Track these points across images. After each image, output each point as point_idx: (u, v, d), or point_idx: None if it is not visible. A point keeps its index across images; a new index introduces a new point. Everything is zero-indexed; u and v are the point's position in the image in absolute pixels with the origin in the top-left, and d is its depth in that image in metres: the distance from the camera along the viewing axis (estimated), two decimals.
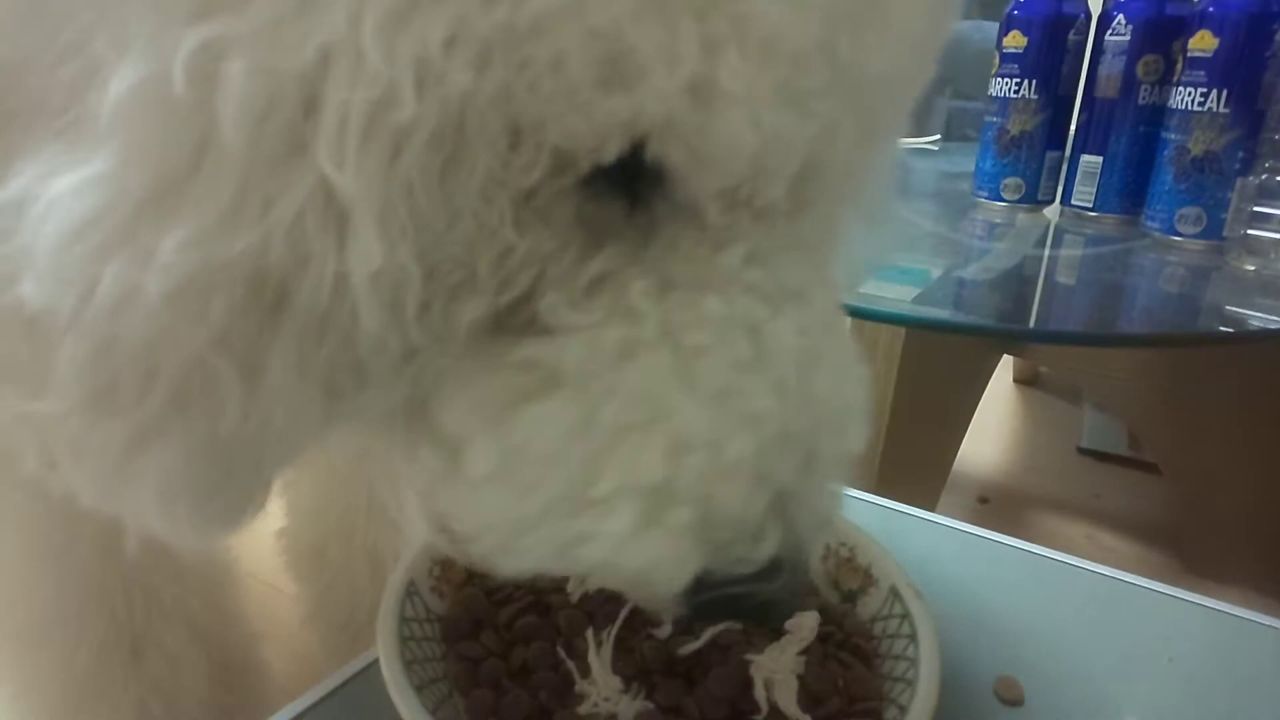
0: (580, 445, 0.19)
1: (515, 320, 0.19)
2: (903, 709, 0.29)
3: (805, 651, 0.33)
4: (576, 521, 0.19)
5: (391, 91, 0.14)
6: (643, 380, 0.18)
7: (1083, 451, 1.45)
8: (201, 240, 0.15)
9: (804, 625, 0.34)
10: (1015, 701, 0.35)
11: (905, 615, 0.34)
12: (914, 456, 1.03)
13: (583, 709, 0.31)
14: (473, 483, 0.19)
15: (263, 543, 0.68)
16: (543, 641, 0.34)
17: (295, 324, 0.16)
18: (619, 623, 0.34)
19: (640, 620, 0.35)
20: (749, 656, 0.32)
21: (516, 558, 0.20)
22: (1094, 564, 0.45)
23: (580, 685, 0.32)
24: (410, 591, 0.35)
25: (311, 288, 0.16)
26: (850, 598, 0.37)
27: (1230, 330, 0.66)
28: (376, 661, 0.31)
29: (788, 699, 0.31)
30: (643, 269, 0.19)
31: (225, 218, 0.15)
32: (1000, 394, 1.68)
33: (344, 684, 0.37)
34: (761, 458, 0.19)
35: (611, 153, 0.17)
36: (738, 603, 0.20)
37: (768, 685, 0.31)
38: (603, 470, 0.19)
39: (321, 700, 0.36)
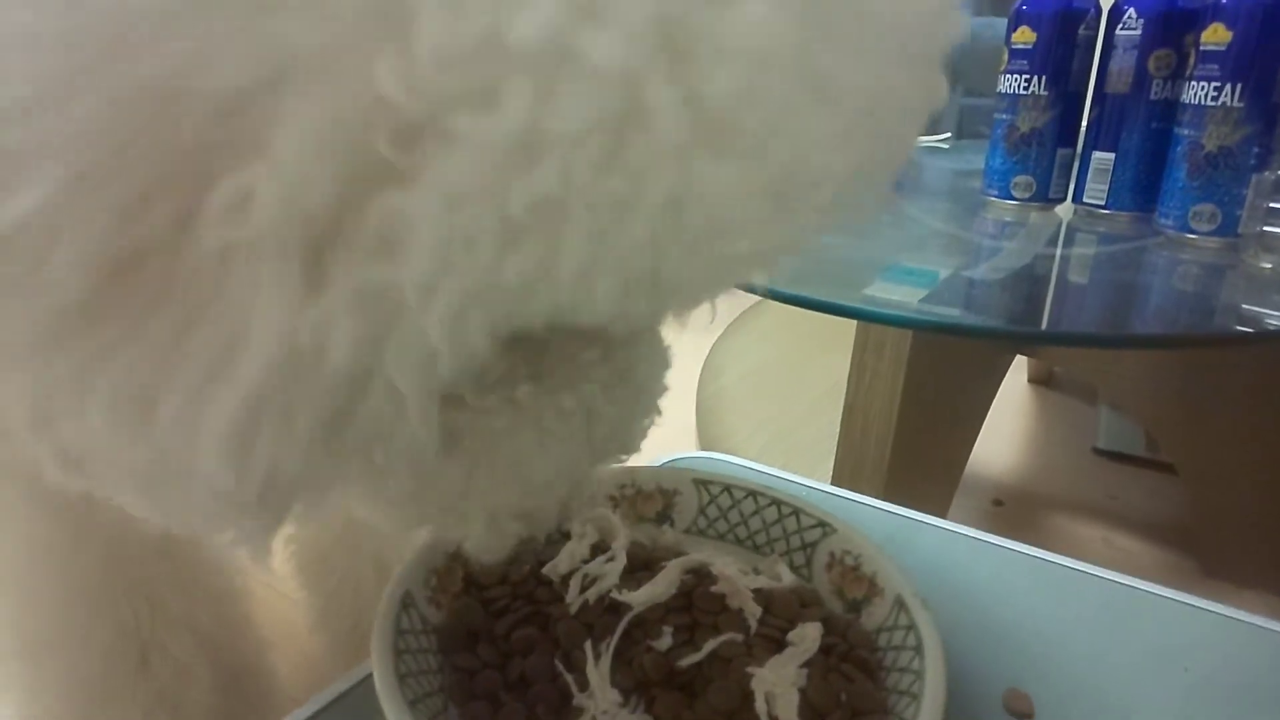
0: (463, 486, 0.28)
1: None
2: None
3: (808, 664, 0.32)
4: (446, 518, 0.29)
5: (436, 355, 0.21)
6: (514, 454, 0.27)
7: (1099, 452, 1.43)
8: (315, 430, 0.21)
9: (806, 637, 0.33)
10: (1025, 715, 0.34)
11: (911, 626, 0.33)
12: (924, 459, 1.02)
13: None
14: (389, 500, 0.28)
15: (273, 547, 0.68)
16: (540, 654, 0.34)
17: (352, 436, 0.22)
18: (617, 635, 0.34)
19: (640, 633, 0.34)
20: (750, 669, 0.32)
21: (408, 529, 0.33)
22: (1107, 570, 0.44)
23: (578, 699, 0.32)
24: (406, 603, 0.34)
25: (381, 434, 0.23)
26: (855, 607, 0.36)
27: (1248, 330, 0.65)
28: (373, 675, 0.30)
29: (788, 713, 0.30)
30: (528, 369, 0.27)
31: (330, 406, 0.21)
32: (1014, 394, 1.66)
33: (348, 691, 0.36)
34: (571, 491, 0.30)
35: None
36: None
37: (769, 699, 0.31)
38: (473, 496, 0.28)
39: (325, 708, 0.35)
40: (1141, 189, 0.89)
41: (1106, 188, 0.91)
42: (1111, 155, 0.91)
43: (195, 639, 0.50)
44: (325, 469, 0.22)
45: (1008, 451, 1.47)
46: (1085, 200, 0.94)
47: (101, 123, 0.19)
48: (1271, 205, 0.75)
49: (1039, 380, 1.71)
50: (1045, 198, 0.96)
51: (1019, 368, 1.68)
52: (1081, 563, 0.45)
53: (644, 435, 0.31)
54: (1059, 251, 0.88)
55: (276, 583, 0.73)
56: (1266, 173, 0.76)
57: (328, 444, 0.22)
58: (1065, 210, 0.98)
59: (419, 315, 0.20)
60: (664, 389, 0.31)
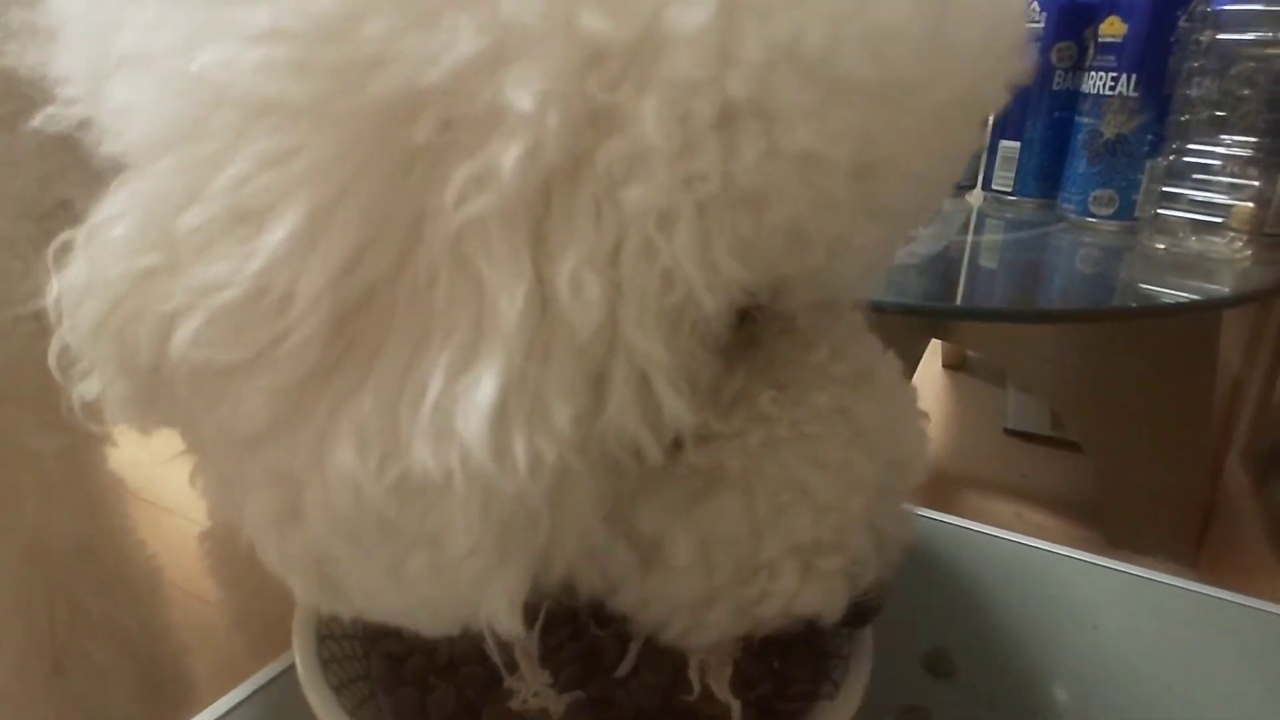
0: (749, 524, 0.25)
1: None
2: (836, 684, 0.29)
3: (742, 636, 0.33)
4: (753, 586, 0.25)
5: (691, 293, 0.20)
6: (785, 468, 0.25)
7: (1009, 433, 1.49)
8: (576, 414, 0.20)
9: None
10: (947, 673, 0.35)
11: None
12: None
13: (513, 704, 0.30)
14: (674, 571, 0.25)
15: (187, 548, 0.65)
16: (468, 636, 0.33)
17: (601, 463, 0.21)
18: (542, 615, 0.33)
19: (566, 614, 0.34)
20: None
21: (705, 630, 0.26)
22: (1021, 536, 0.46)
23: (509, 681, 0.31)
24: None
25: (623, 439, 0.21)
26: None
27: (1138, 305, 0.69)
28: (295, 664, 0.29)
29: (721, 683, 0.30)
30: (762, 381, 0.25)
31: (579, 391, 0.20)
32: (929, 379, 1.72)
33: (263, 686, 0.35)
34: (869, 508, 0.26)
35: (768, 295, 0.22)
36: (855, 611, 0.27)
37: (703, 668, 0.31)
38: (767, 540, 0.25)
39: (239, 704, 0.34)
40: (1046, 176, 0.93)
41: (1014, 175, 0.95)
42: (1018, 144, 0.94)
43: (116, 645, 0.47)
44: (561, 502, 0.21)
45: None
46: (994, 187, 0.98)
47: (337, 148, 0.19)
48: (1165, 189, 0.79)
49: (952, 365, 1.77)
50: (956, 185, 0.99)
51: (933, 354, 1.73)
52: (998, 529, 0.46)
53: (925, 449, 0.28)
54: (970, 238, 0.92)
55: (192, 584, 0.70)
56: (1160, 159, 0.81)
57: (584, 436, 0.20)
58: (976, 197, 1.01)
59: (664, 243, 0.19)
60: (915, 391, 0.29)
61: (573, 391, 0.20)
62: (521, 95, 0.18)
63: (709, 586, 0.25)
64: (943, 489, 1.33)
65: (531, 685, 0.31)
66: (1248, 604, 0.41)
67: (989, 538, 0.46)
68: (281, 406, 0.20)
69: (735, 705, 0.29)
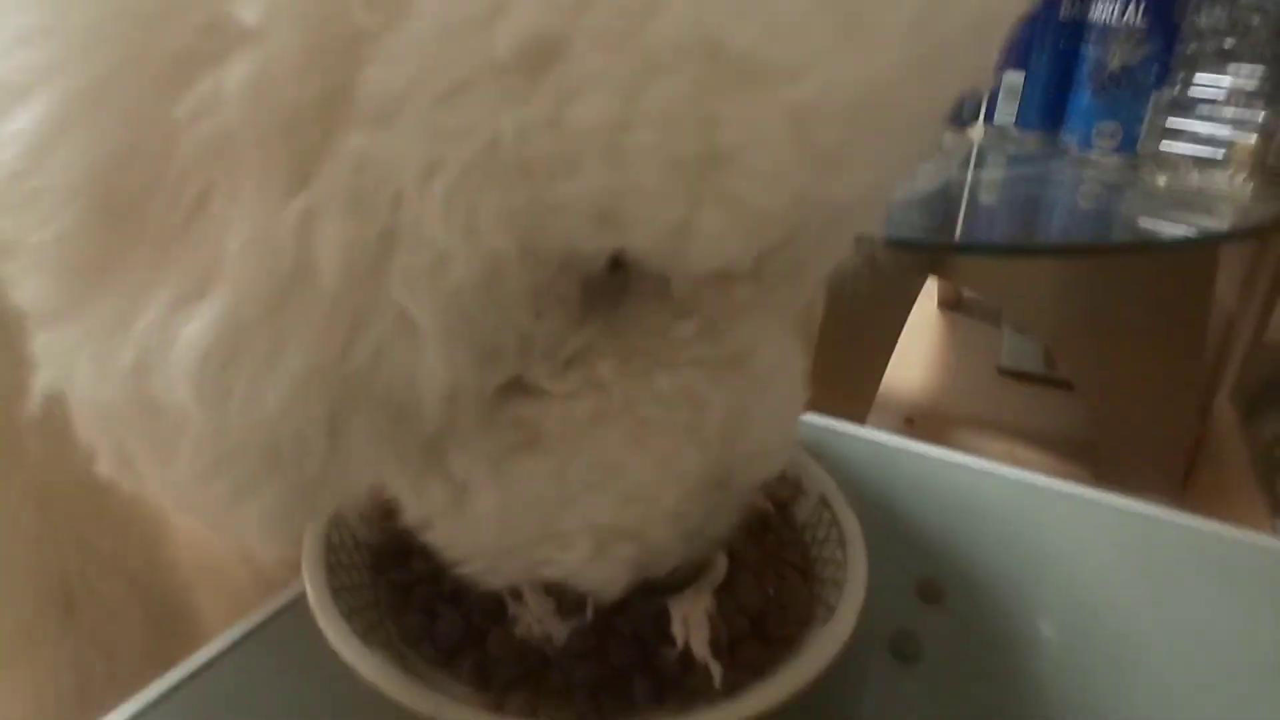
0: (554, 492, 0.23)
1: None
2: (831, 609, 0.29)
3: (742, 564, 0.33)
4: (544, 549, 0.24)
5: (446, 255, 0.18)
6: (604, 446, 0.23)
7: (1002, 372, 1.50)
8: (308, 357, 0.19)
9: (717, 567, 0.34)
10: (936, 601, 0.36)
11: (834, 522, 0.34)
12: (842, 379, 1.05)
13: (517, 630, 0.31)
14: (474, 519, 0.24)
15: None
16: None
17: (374, 405, 0.20)
18: None
19: None
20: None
21: (496, 576, 0.26)
22: (1010, 469, 0.46)
23: (513, 608, 0.32)
24: (335, 520, 0.34)
25: (388, 386, 0.20)
26: (782, 508, 0.38)
27: (1136, 240, 0.68)
28: (304, 594, 0.30)
29: (700, 641, 0.31)
30: (611, 343, 0.23)
31: (325, 338, 0.19)
32: (924, 319, 1.72)
33: (269, 619, 0.36)
34: (683, 503, 0.24)
35: (600, 266, 0.20)
36: (647, 586, 0.26)
37: (685, 623, 0.31)
38: (568, 513, 0.24)
39: (245, 637, 0.35)
40: (1050, 108, 0.91)
41: (1016, 107, 0.94)
42: (1021, 75, 0.93)
43: (125, 581, 0.48)
44: (339, 437, 0.20)
45: (918, 373, 1.52)
46: (996, 120, 0.96)
47: (94, 36, 0.18)
48: (1169, 123, 0.78)
49: (947, 305, 1.77)
50: (958, 119, 0.98)
51: (929, 293, 1.73)
52: (987, 462, 0.47)
53: (783, 445, 0.26)
54: (970, 173, 0.91)
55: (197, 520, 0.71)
56: (1165, 91, 0.79)
57: (326, 389, 0.19)
58: (977, 132, 1.00)
59: (419, 203, 0.17)
60: (801, 393, 0.26)
61: (319, 339, 0.19)
62: (248, 5, 0.16)
63: (507, 540, 0.24)
64: (936, 426, 1.34)
65: (535, 612, 0.32)
66: (1232, 534, 0.42)
67: (979, 471, 0.46)
68: (50, 294, 0.20)
69: (715, 667, 0.29)
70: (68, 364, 0.20)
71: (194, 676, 0.32)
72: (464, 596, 0.33)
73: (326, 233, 0.18)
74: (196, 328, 0.18)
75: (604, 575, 0.25)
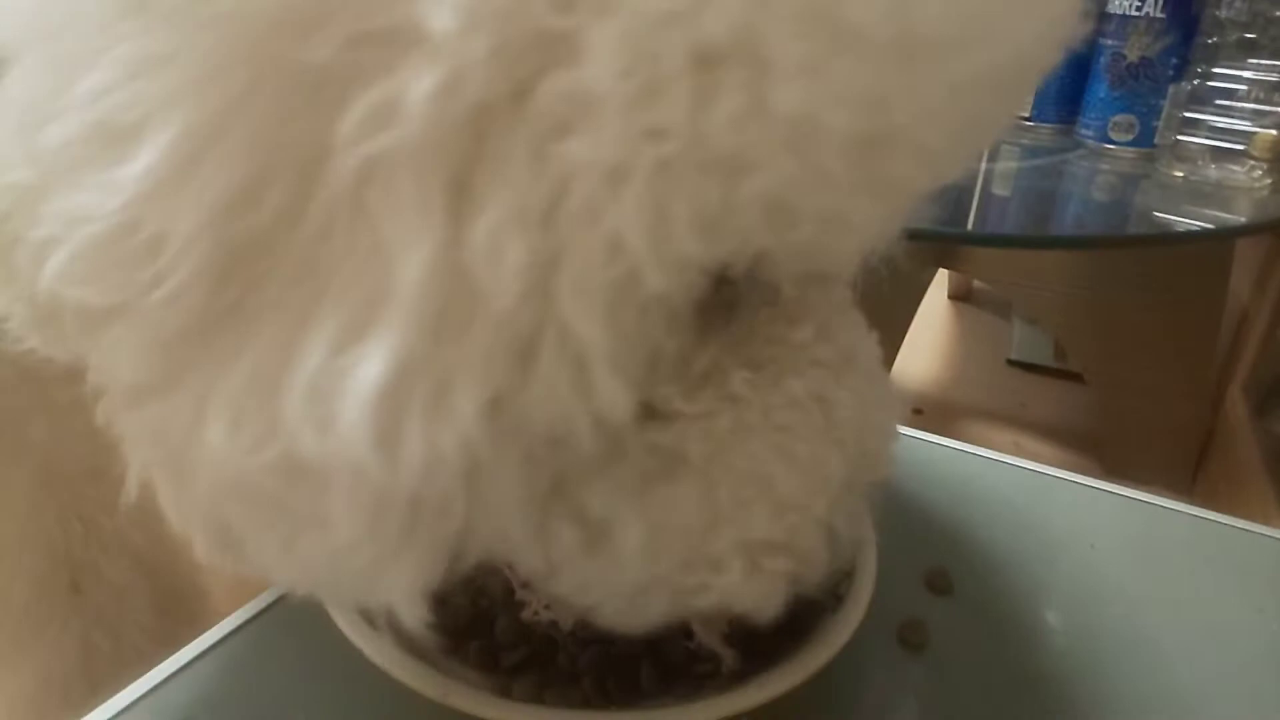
0: (705, 515, 0.22)
1: None
2: (840, 598, 0.29)
3: None
4: (695, 576, 0.23)
5: (637, 266, 0.17)
6: (753, 458, 0.22)
7: (1011, 363, 1.50)
8: (481, 393, 0.17)
9: None
10: (944, 591, 0.36)
11: None
12: None
13: (524, 615, 0.31)
14: (617, 557, 0.22)
15: None
16: None
17: (524, 447, 0.18)
18: None
19: None
20: None
21: (639, 614, 0.24)
22: (1020, 459, 0.46)
23: (520, 593, 0.32)
24: None
25: (551, 422, 0.18)
26: None
27: (1151, 233, 0.68)
28: None
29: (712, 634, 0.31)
30: (736, 357, 0.22)
31: (494, 370, 0.17)
32: (934, 310, 1.71)
33: (279, 599, 0.36)
34: (831, 509, 0.23)
35: (744, 267, 0.19)
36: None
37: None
38: (719, 533, 0.22)
39: (254, 618, 0.35)
40: (1065, 100, 0.90)
41: (1032, 99, 0.93)
42: None
43: (130, 561, 0.48)
44: (478, 482, 0.18)
45: (927, 363, 1.52)
46: None
47: (219, 59, 0.16)
48: (1186, 115, 0.78)
49: (958, 296, 1.76)
50: None
51: (939, 284, 1.72)
52: (996, 453, 0.47)
53: (892, 433, 0.26)
54: (983, 165, 0.90)
55: None
56: (1183, 83, 0.78)
57: (497, 425, 0.17)
58: None
59: (612, 210, 0.16)
60: (894, 385, 0.26)
61: (487, 371, 0.17)
62: (440, 11, 0.15)
63: (651, 574, 0.23)
64: (944, 416, 1.34)
65: (543, 598, 0.32)
66: (1242, 527, 0.42)
67: (989, 461, 0.46)
68: (156, 364, 0.17)
69: (728, 654, 0.28)
70: (173, 442, 0.18)
71: (201, 658, 0.32)
72: (472, 582, 0.33)
73: (510, 251, 0.16)
74: (373, 368, 0.16)
75: (760, 593, 0.23)
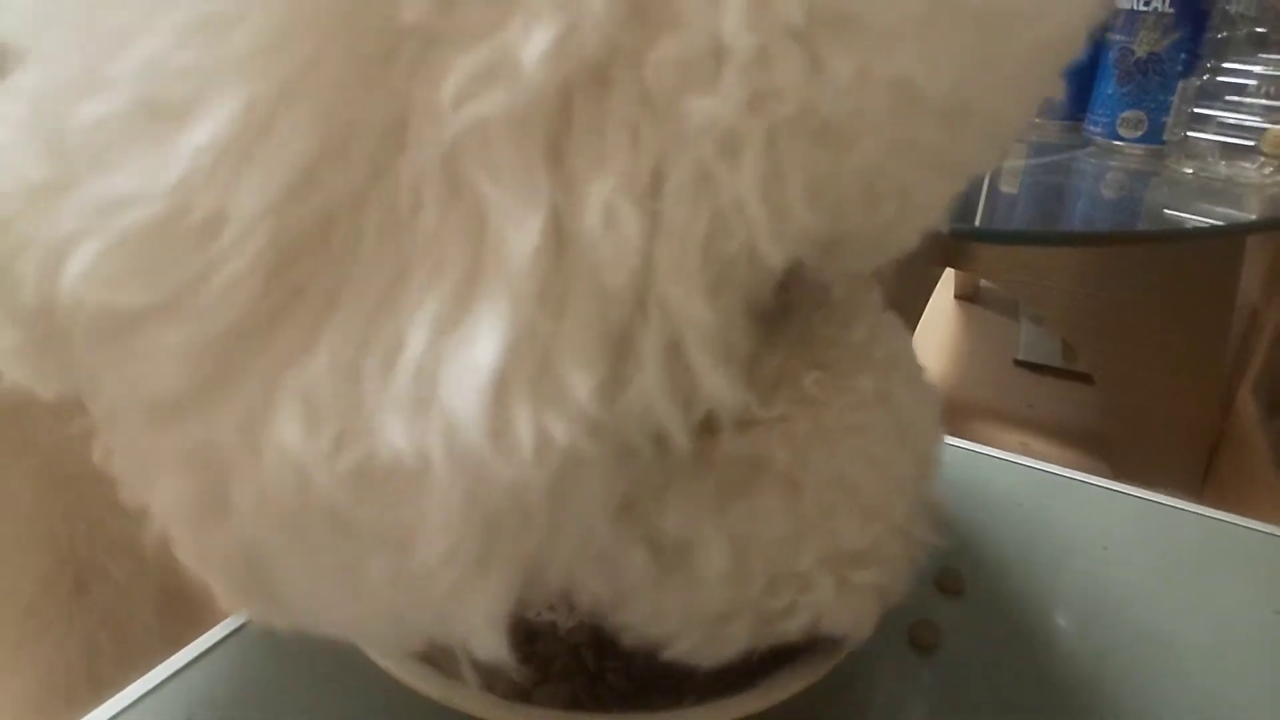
0: (790, 527, 0.21)
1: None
2: None
3: None
4: (781, 597, 0.21)
5: (755, 239, 0.16)
6: (835, 462, 0.21)
7: (1019, 364, 1.49)
8: (590, 379, 0.15)
9: None
10: (956, 592, 0.36)
11: None
12: None
13: (527, 614, 0.31)
14: (700, 580, 0.21)
15: None
16: None
17: (614, 449, 0.17)
18: None
19: None
20: None
21: (720, 645, 0.22)
22: (1031, 460, 0.46)
23: None
24: None
25: (647, 419, 0.16)
26: None
27: (1161, 230, 0.67)
28: None
29: None
30: (805, 360, 0.21)
31: (600, 354, 0.15)
32: (941, 310, 1.71)
33: None
34: (908, 515, 0.22)
35: (818, 257, 0.18)
36: None
37: None
38: (802, 548, 0.21)
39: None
40: (1073, 97, 0.90)
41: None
42: None
43: (134, 561, 0.48)
44: (562, 496, 0.16)
45: (934, 364, 1.51)
46: None
47: (290, 22, 0.14)
48: (1195, 111, 0.77)
49: (964, 296, 1.76)
50: None
51: (946, 285, 1.72)
52: (1007, 452, 0.46)
53: (940, 438, 0.25)
54: None
55: None
56: (1192, 79, 0.78)
57: (602, 413, 0.16)
58: None
59: (730, 177, 0.15)
60: (931, 379, 0.25)
61: (599, 352, 0.15)
62: None
63: (736, 597, 0.21)
64: (951, 417, 1.33)
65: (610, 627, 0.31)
66: (1258, 528, 0.41)
67: (1000, 461, 0.46)
68: (205, 367, 0.15)
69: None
70: (218, 462, 0.16)
71: (202, 657, 0.32)
72: None
73: (625, 220, 0.15)
74: (486, 349, 0.14)
75: (854, 611, 0.22)
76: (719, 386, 0.17)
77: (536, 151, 0.15)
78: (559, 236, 0.15)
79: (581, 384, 0.15)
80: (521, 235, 0.15)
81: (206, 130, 0.14)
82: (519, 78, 0.14)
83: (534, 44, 0.14)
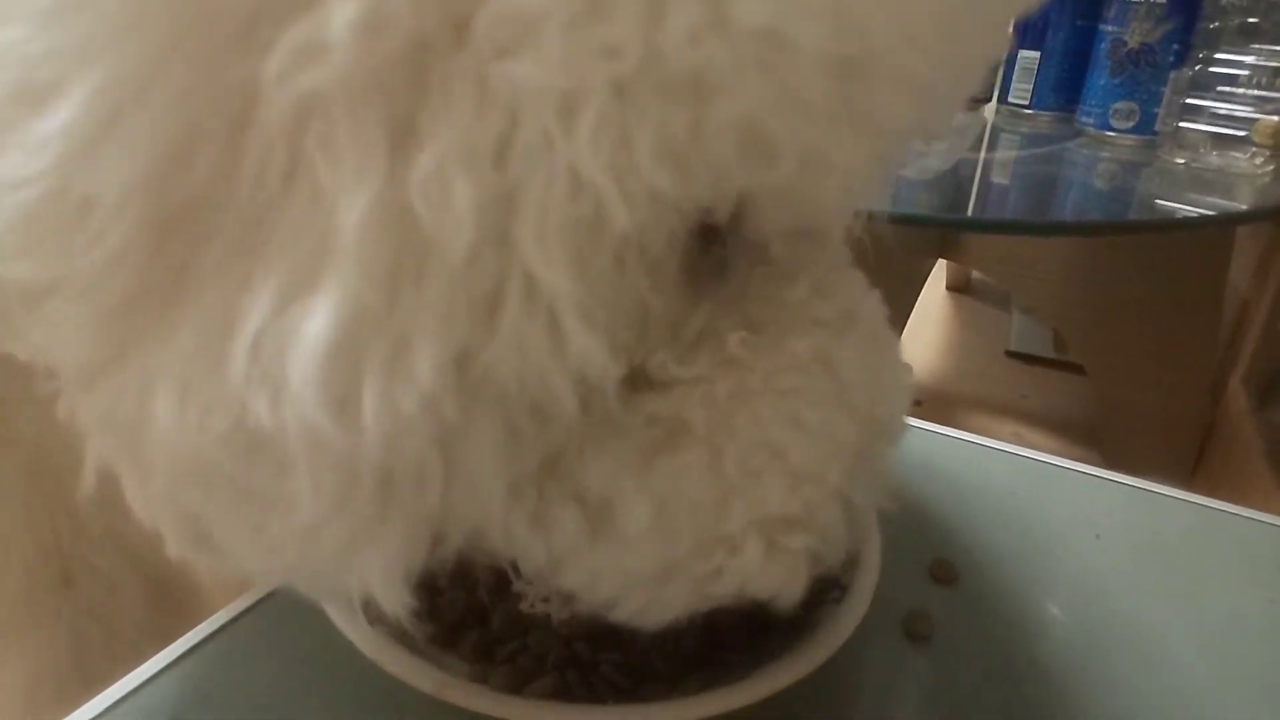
0: (713, 488, 0.21)
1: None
2: (844, 589, 0.29)
3: None
4: (711, 559, 0.21)
5: (603, 203, 0.15)
6: (759, 425, 0.21)
7: (1011, 355, 1.49)
8: (443, 351, 0.16)
9: None
10: (949, 581, 0.36)
11: None
12: None
13: (522, 607, 0.31)
14: (623, 540, 0.21)
15: None
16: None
17: (500, 412, 0.17)
18: None
19: None
20: None
21: (661, 608, 0.22)
22: (1023, 449, 0.46)
23: (517, 584, 0.32)
24: None
25: (525, 383, 0.17)
26: None
27: (1151, 219, 0.67)
28: None
29: None
30: (731, 319, 0.21)
31: (456, 325, 0.16)
32: (933, 301, 1.71)
33: (272, 593, 0.35)
34: (848, 479, 0.22)
35: (726, 214, 0.18)
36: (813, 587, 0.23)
37: None
38: (732, 509, 0.21)
39: (246, 611, 0.34)
40: (1065, 88, 0.90)
41: (1031, 87, 0.92)
42: (1037, 54, 0.91)
43: (121, 555, 0.48)
44: (457, 455, 0.17)
45: (926, 355, 1.52)
46: (1010, 100, 0.95)
47: (140, 11, 0.15)
48: (1187, 102, 0.77)
49: (956, 288, 1.76)
50: (971, 97, 0.96)
51: (937, 277, 1.72)
52: (998, 441, 0.46)
53: (905, 395, 0.24)
54: (983, 154, 0.89)
55: None
56: (1185, 69, 0.78)
57: (466, 385, 0.16)
58: (991, 110, 0.99)
59: (566, 141, 0.15)
60: (898, 339, 0.24)
61: (448, 325, 0.16)
62: None
63: (666, 558, 0.21)
64: (943, 408, 1.33)
65: (539, 590, 0.31)
66: (1250, 515, 0.41)
67: (993, 451, 0.46)
68: (102, 340, 0.16)
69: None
70: (125, 425, 0.17)
71: (191, 653, 0.32)
72: (467, 572, 0.32)
73: (458, 191, 0.15)
74: (319, 323, 0.15)
75: (783, 575, 0.22)
76: (590, 350, 0.16)
77: (371, 124, 0.15)
78: (392, 210, 0.15)
79: (428, 354, 0.15)
80: (353, 211, 0.15)
81: (68, 112, 0.15)
82: (332, 51, 0.14)
83: (345, 17, 0.14)
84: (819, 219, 0.20)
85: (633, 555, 0.21)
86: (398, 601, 0.18)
